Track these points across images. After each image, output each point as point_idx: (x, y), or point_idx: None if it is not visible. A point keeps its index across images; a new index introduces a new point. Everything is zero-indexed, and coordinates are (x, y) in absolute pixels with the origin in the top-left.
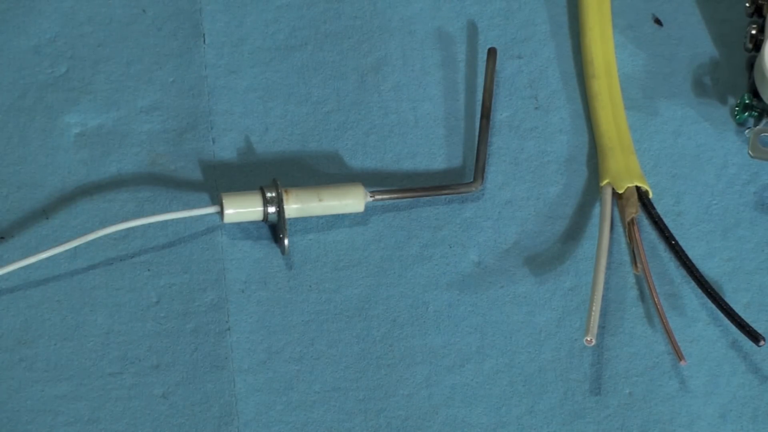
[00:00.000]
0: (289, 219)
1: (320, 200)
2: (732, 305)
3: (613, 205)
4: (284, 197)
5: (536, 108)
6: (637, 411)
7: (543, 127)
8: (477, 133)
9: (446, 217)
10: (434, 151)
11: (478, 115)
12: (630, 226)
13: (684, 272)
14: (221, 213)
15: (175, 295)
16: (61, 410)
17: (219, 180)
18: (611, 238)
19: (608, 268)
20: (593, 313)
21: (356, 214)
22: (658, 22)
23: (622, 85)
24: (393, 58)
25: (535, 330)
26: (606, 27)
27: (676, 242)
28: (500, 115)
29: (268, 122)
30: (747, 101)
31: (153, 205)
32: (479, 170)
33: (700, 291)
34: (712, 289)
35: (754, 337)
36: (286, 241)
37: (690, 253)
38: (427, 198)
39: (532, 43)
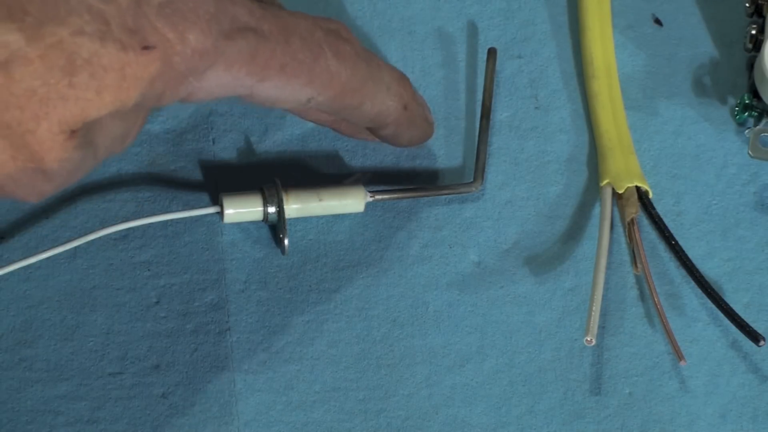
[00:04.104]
0: (289, 219)
1: (320, 200)
2: (732, 305)
3: (613, 205)
4: (284, 197)
5: (536, 108)
6: (637, 411)
7: (543, 127)
8: (477, 133)
9: (446, 217)
10: (434, 151)
11: (478, 115)
12: (630, 226)
13: (684, 272)
14: (221, 213)
15: (175, 295)
16: (61, 410)
17: (219, 180)
18: (611, 238)
19: (608, 268)
20: (593, 313)
21: (356, 214)
22: (658, 22)
23: (622, 85)
24: (393, 58)
25: (535, 330)
26: (606, 27)
27: (676, 242)
28: (500, 115)
29: (268, 122)
30: (747, 101)
31: (153, 205)
32: (479, 170)
33: (700, 291)
34: (712, 289)
35: (754, 337)
36: (286, 241)
37: (690, 253)
38: (427, 198)
39: (532, 43)
